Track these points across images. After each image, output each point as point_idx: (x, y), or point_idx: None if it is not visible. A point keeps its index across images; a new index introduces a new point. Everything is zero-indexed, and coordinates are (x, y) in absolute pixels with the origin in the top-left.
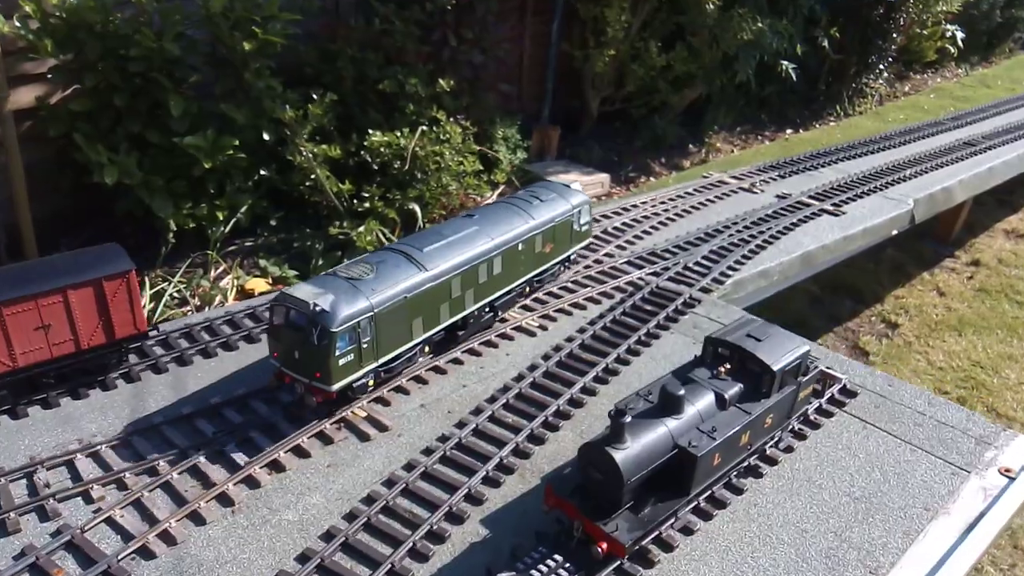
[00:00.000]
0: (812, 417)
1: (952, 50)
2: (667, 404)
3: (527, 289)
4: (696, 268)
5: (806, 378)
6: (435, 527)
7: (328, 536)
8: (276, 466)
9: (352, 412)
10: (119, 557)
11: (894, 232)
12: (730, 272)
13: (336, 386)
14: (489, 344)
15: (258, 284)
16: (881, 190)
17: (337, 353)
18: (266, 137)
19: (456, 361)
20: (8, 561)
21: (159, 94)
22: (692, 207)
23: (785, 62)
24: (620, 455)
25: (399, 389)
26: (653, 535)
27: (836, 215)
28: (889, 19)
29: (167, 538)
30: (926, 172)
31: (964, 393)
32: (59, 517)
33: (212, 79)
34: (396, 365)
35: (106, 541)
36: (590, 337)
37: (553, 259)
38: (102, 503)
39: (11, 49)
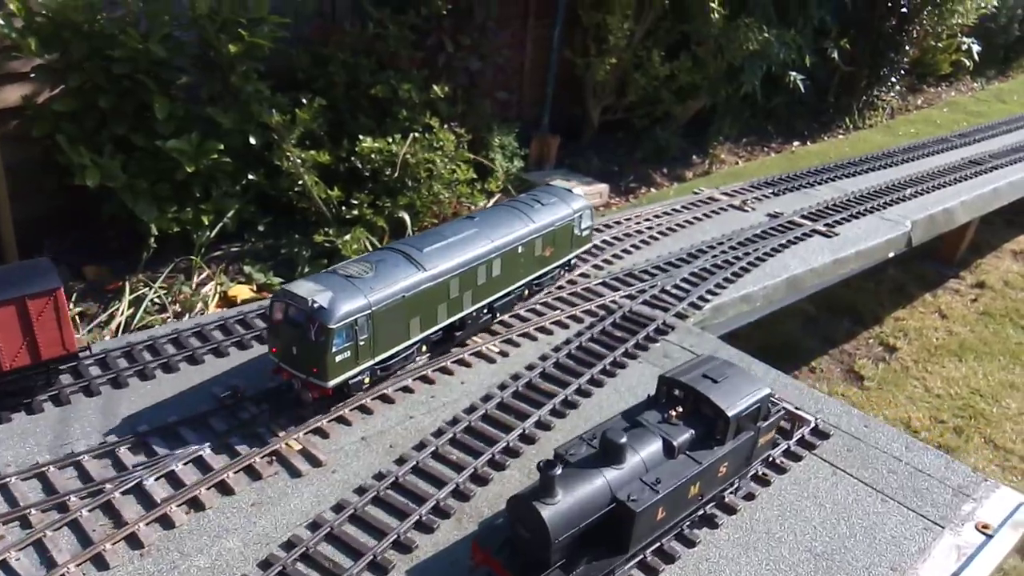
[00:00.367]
0: (779, 461)
1: (967, 63)
2: (608, 452)
3: (527, 292)
4: (674, 291)
5: (766, 423)
6: None
7: None
8: (196, 504)
9: (286, 444)
10: None
11: (890, 255)
12: (709, 296)
13: (332, 382)
14: (444, 371)
15: (242, 291)
16: (879, 210)
17: (334, 350)
18: (253, 141)
19: (406, 389)
20: None
21: (145, 96)
22: (678, 225)
23: (793, 73)
24: (548, 511)
25: (340, 420)
26: None
27: (828, 236)
28: (902, 31)
29: None
30: (928, 192)
31: (961, 423)
32: None
33: (200, 82)
34: (393, 364)
35: None
36: (552, 365)
37: (553, 263)
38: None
39: None
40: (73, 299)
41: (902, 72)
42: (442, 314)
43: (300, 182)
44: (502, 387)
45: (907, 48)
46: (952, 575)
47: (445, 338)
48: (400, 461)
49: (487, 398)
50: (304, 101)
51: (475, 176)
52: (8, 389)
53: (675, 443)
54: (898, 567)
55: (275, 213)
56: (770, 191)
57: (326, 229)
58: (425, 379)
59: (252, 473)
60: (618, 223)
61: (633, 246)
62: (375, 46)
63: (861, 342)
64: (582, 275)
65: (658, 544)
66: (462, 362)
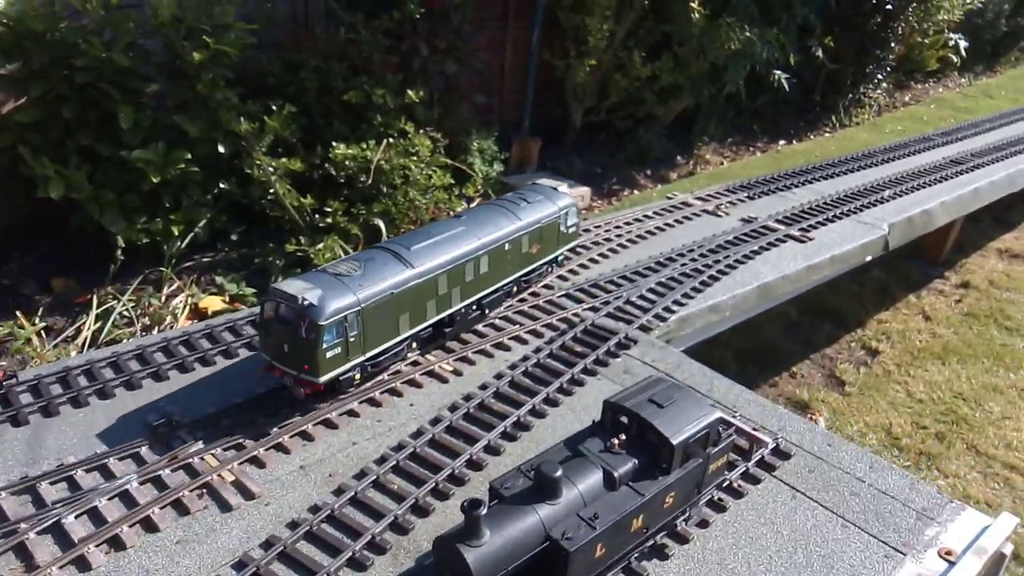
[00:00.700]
0: (736, 484)
1: (955, 59)
2: (542, 487)
3: (515, 288)
4: (639, 302)
5: (716, 449)
6: None
7: None
8: (116, 543)
9: (219, 476)
10: None
11: (867, 259)
12: (675, 307)
13: (324, 378)
14: (392, 392)
15: (213, 302)
16: (856, 213)
17: (324, 346)
18: (222, 150)
19: (351, 413)
20: None
21: (110, 106)
22: (649, 232)
23: (778, 72)
24: (473, 555)
25: (279, 447)
26: None
27: (802, 241)
28: (887, 28)
29: None
30: (907, 193)
31: (943, 428)
32: None
33: (168, 90)
34: (383, 360)
35: None
36: (507, 384)
37: (540, 260)
38: None
39: None
40: (39, 313)
41: (888, 69)
42: (431, 311)
43: (272, 190)
44: (453, 409)
45: (893, 45)
46: None
47: (435, 335)
48: (338, 492)
49: (436, 421)
50: (274, 108)
51: (453, 181)
52: None
53: (616, 474)
54: None
55: (249, 222)
56: (745, 195)
57: (299, 238)
58: (372, 401)
59: (180, 507)
60: (587, 231)
61: (601, 255)
62: (347, 51)
63: (843, 346)
64: (545, 287)
65: None
66: (412, 383)
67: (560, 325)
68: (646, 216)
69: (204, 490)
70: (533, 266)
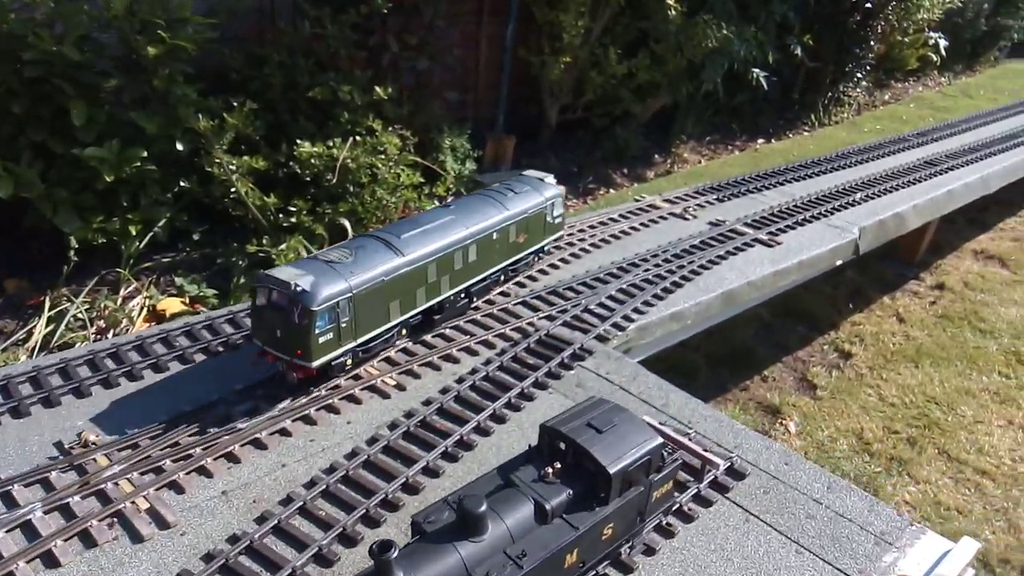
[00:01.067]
0: (687, 507)
1: (934, 58)
2: (466, 523)
3: (502, 277)
4: (597, 311)
5: (659, 475)
6: None
7: None
8: None
9: (132, 503)
10: None
11: (837, 263)
12: (634, 316)
13: (316, 363)
14: (329, 409)
15: (172, 304)
16: (827, 216)
17: (317, 331)
18: (180, 147)
19: (283, 432)
20: None
21: (63, 101)
22: (613, 236)
23: (756, 70)
24: None
25: (201, 471)
26: None
27: (770, 246)
28: (867, 26)
29: None
30: (879, 195)
31: (915, 433)
32: None
33: (124, 85)
34: (374, 345)
35: None
36: (452, 399)
37: (527, 249)
38: None
39: None
40: None
41: (868, 67)
42: (421, 298)
43: (233, 189)
44: (392, 427)
45: (873, 43)
46: None
47: (425, 322)
48: (261, 519)
49: (373, 440)
50: (235, 104)
51: (423, 180)
52: None
53: (548, 507)
54: None
55: (211, 221)
56: (714, 197)
57: (262, 238)
58: (307, 419)
59: (87, 539)
60: None
61: (562, 260)
62: (314, 46)
63: (815, 348)
64: (502, 294)
65: None
66: (352, 398)
67: (514, 335)
68: (611, 219)
69: (115, 520)
70: (520, 255)
